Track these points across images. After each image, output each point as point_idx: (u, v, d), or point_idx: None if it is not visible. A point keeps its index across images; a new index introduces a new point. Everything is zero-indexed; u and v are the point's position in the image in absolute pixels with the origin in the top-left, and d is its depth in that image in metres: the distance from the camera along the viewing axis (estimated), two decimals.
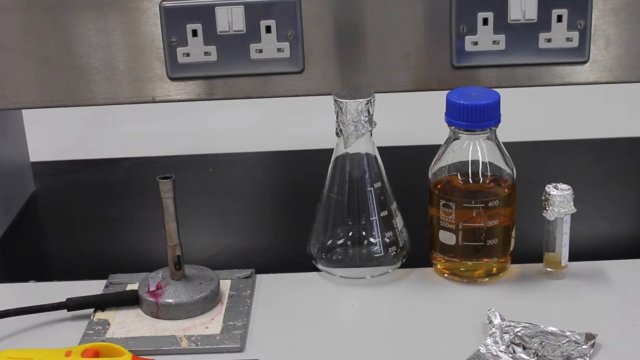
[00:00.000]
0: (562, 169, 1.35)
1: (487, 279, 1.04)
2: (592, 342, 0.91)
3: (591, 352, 0.90)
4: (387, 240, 1.05)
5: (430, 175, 1.04)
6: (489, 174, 1.01)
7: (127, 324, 0.98)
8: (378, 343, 0.95)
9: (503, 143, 1.02)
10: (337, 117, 1.02)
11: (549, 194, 1.01)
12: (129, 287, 1.04)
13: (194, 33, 1.12)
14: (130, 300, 1.01)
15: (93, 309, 1.01)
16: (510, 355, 0.90)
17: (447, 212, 1.02)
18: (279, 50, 1.13)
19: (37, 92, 1.15)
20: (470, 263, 1.03)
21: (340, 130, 1.02)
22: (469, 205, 1.01)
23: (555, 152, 1.40)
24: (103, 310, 1.01)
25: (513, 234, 1.04)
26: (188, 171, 1.38)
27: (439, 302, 1.01)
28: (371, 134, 1.03)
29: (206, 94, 1.16)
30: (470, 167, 1.01)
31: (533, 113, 1.55)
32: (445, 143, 1.03)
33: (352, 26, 1.13)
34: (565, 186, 1.01)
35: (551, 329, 0.93)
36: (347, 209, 1.04)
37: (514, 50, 1.13)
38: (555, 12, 1.11)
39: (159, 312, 0.99)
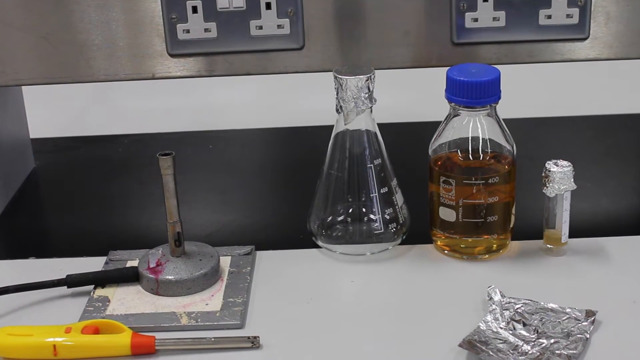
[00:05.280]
0: (563, 145, 1.35)
1: (487, 256, 1.04)
2: (592, 318, 0.92)
3: (591, 328, 0.91)
4: (387, 217, 1.05)
5: (430, 151, 1.04)
6: (489, 150, 1.01)
7: (127, 300, 0.99)
8: (378, 319, 0.95)
9: (503, 119, 1.02)
10: (337, 94, 1.01)
11: (549, 171, 1.01)
12: (129, 264, 1.04)
13: (194, 9, 1.12)
14: (130, 277, 1.01)
15: (93, 286, 1.01)
16: (511, 331, 0.91)
17: (447, 189, 1.02)
18: (279, 26, 1.13)
19: (37, 69, 1.15)
20: (470, 240, 1.03)
21: (341, 106, 1.02)
22: (469, 181, 1.01)
23: (556, 129, 1.40)
24: (103, 286, 1.01)
25: (513, 211, 1.04)
26: (188, 148, 1.37)
27: (439, 279, 1.01)
28: (371, 111, 1.03)
29: (206, 71, 1.16)
30: (470, 144, 1.01)
31: (533, 89, 1.55)
32: (445, 120, 1.03)
33: (352, 3, 1.13)
34: (565, 163, 1.01)
35: (551, 305, 0.93)
36: (347, 185, 1.04)
37: (514, 26, 1.13)
38: None
39: (159, 288, 0.99)
